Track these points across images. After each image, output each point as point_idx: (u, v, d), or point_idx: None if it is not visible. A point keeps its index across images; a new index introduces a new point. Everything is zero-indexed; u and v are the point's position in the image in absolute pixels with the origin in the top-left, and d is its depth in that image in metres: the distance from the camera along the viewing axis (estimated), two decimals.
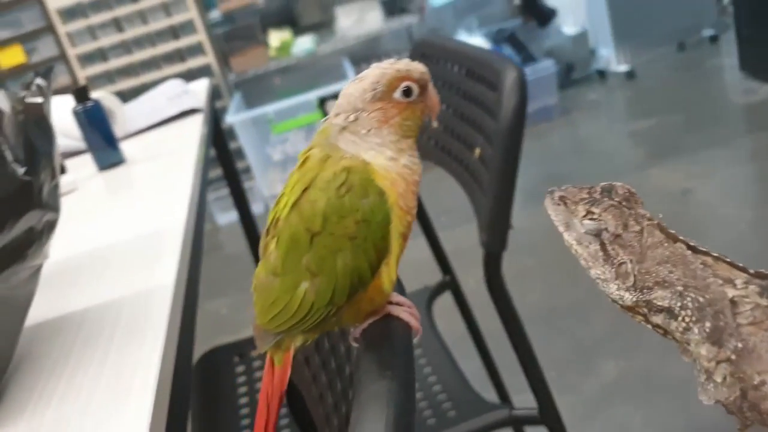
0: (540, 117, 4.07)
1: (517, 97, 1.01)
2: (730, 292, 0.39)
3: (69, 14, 4.16)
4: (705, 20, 4.48)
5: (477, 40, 4.19)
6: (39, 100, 0.73)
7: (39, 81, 0.74)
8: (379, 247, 0.58)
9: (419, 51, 1.43)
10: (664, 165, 3.25)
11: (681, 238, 0.40)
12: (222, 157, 2.19)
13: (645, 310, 0.39)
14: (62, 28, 4.16)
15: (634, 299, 0.39)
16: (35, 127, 0.71)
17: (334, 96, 4.01)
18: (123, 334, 0.80)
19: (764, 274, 0.40)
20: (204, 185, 1.35)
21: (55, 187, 0.76)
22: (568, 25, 4.44)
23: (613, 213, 0.40)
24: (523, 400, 1.27)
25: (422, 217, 1.59)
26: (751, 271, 0.40)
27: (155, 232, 1.10)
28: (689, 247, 0.40)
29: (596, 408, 2.01)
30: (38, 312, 0.92)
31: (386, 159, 0.58)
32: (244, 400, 1.43)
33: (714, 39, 4.48)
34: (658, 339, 0.47)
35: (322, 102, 4.05)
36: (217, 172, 3.50)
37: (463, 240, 2.08)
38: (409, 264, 2.81)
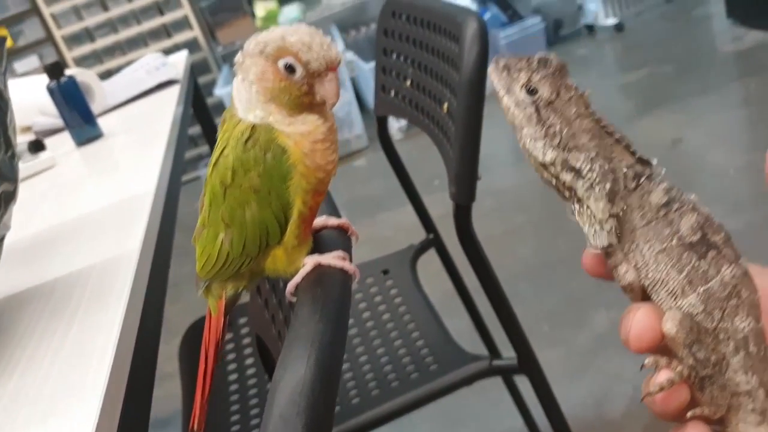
0: None
1: (478, 47, 1.01)
2: None
3: None
4: None
5: (462, 0, 4.15)
6: None
7: None
8: (283, 201, 0.59)
9: (389, 9, 1.42)
10: (654, 116, 3.24)
11: (596, 115, 0.46)
12: (207, 132, 2.19)
13: (559, 168, 0.45)
14: (47, 10, 4.13)
15: (555, 155, 0.45)
16: None
17: None
18: (89, 302, 0.81)
19: (645, 161, 0.46)
20: (179, 155, 1.36)
21: (12, 158, 0.77)
22: None
23: (549, 81, 0.45)
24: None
25: (405, 180, 1.59)
26: (638, 156, 0.46)
27: (128, 202, 1.11)
28: (602, 125, 0.46)
29: (589, 359, 2.02)
30: (10, 285, 0.93)
31: (279, 123, 0.59)
32: (232, 366, 1.44)
33: None
34: None
35: None
36: (206, 148, 3.49)
37: None
38: (399, 226, 2.81)
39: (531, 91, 0.46)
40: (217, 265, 0.63)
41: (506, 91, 0.47)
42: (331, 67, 0.58)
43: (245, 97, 0.59)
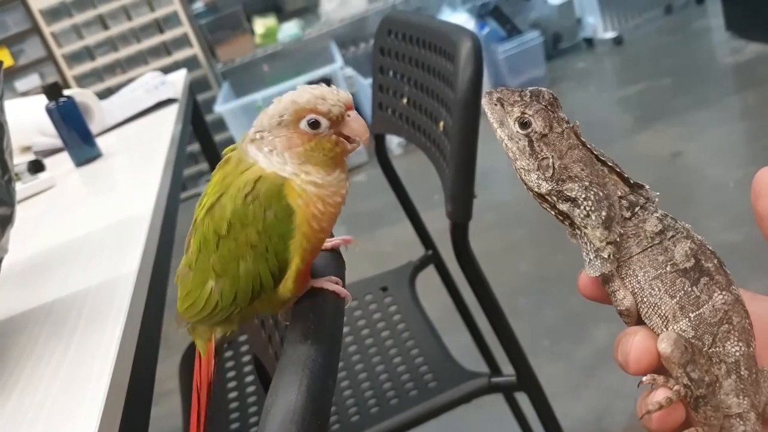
0: None
1: (473, 66, 1.01)
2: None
3: (53, 14, 4.16)
4: None
5: (461, 16, 4.17)
6: None
7: None
8: (281, 259, 0.58)
9: (385, 28, 1.43)
10: (654, 129, 3.24)
11: (588, 144, 0.46)
12: (207, 150, 2.20)
13: (555, 198, 0.46)
14: (47, 29, 4.16)
15: (550, 188, 0.46)
16: None
17: (323, 80, 4.02)
18: (87, 323, 0.81)
19: (640, 185, 0.46)
20: (178, 174, 1.36)
21: (8, 181, 0.77)
22: None
23: (542, 115, 0.46)
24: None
25: (403, 197, 1.60)
26: (632, 182, 0.46)
27: (127, 223, 1.11)
28: (593, 153, 0.46)
29: (590, 374, 2.02)
30: (8, 306, 0.94)
31: (306, 181, 0.57)
32: (232, 384, 1.44)
33: (700, 0, 4.46)
34: None
35: None
36: (206, 165, 3.50)
37: None
38: (399, 241, 2.81)
39: (524, 125, 0.46)
40: (204, 311, 0.61)
41: (499, 125, 0.48)
42: (349, 107, 0.58)
43: (277, 161, 0.58)
